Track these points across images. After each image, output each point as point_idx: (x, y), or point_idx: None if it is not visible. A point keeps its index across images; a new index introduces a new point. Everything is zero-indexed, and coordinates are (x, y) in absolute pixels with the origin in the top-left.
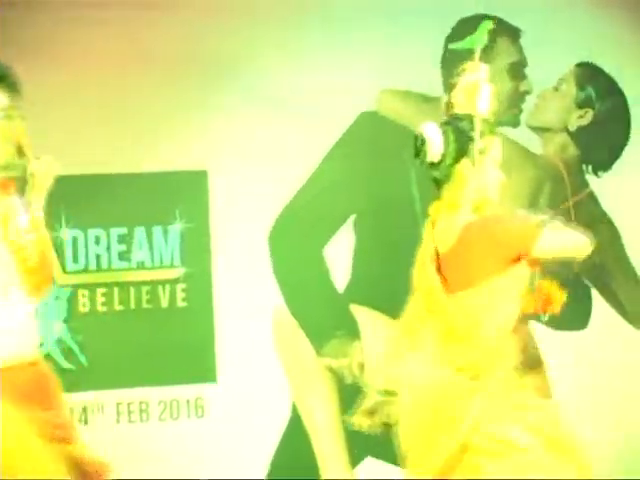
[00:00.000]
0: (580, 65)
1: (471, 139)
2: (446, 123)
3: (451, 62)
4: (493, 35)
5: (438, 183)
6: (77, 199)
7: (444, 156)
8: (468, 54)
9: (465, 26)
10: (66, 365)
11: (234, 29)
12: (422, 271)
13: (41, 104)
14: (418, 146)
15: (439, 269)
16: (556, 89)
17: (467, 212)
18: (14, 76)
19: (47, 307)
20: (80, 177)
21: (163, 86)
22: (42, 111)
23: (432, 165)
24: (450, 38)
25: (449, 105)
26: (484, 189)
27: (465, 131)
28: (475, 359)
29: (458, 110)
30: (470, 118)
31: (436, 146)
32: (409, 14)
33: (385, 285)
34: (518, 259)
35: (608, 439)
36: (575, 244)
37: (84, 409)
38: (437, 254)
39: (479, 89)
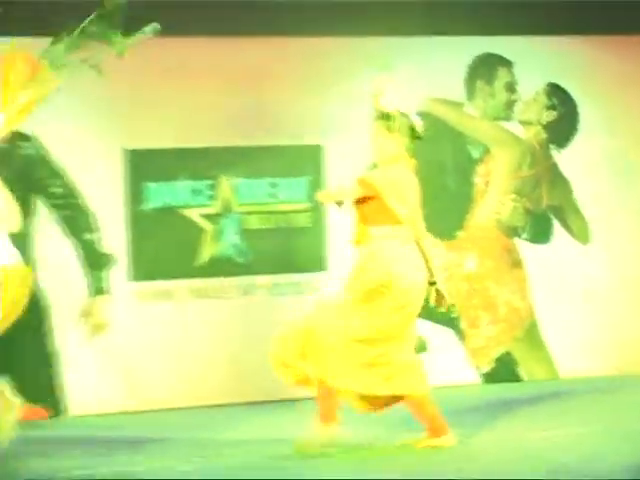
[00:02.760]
0: (549, 84)
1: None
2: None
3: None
4: (493, 67)
5: None
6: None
7: None
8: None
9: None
10: (238, 259)
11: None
12: None
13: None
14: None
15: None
16: (534, 98)
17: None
18: None
19: (229, 223)
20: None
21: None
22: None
23: None
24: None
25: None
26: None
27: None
28: None
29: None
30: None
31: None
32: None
33: None
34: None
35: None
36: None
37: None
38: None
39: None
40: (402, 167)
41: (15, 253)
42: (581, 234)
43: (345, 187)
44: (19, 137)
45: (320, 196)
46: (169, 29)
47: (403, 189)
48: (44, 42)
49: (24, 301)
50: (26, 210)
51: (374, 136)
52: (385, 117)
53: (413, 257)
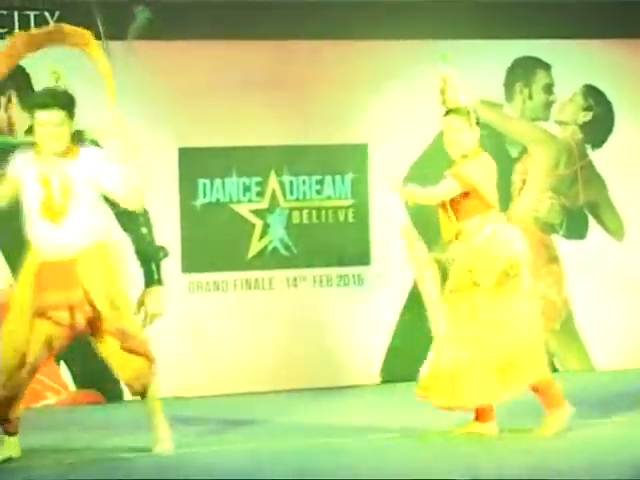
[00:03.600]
0: (585, 86)
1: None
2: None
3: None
4: (531, 70)
5: None
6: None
7: None
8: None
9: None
10: (284, 253)
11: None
12: None
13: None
14: None
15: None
16: (571, 100)
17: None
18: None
19: (276, 219)
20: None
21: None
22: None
23: None
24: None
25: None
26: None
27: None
28: None
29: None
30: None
31: None
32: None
33: None
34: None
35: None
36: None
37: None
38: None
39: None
40: (487, 156)
41: (105, 230)
42: (616, 231)
43: (435, 188)
44: (79, 136)
45: (406, 195)
46: (222, 32)
47: (493, 178)
48: None
49: (118, 275)
50: None
51: (452, 131)
52: (462, 112)
53: (515, 234)
